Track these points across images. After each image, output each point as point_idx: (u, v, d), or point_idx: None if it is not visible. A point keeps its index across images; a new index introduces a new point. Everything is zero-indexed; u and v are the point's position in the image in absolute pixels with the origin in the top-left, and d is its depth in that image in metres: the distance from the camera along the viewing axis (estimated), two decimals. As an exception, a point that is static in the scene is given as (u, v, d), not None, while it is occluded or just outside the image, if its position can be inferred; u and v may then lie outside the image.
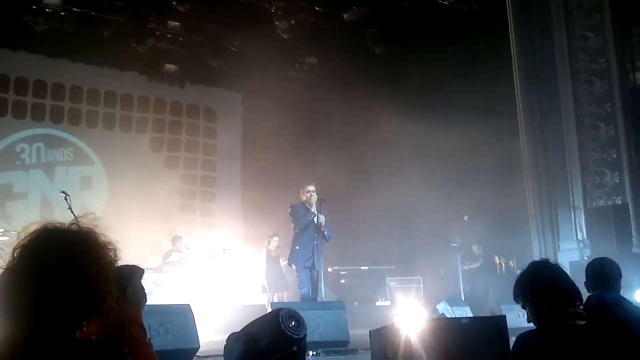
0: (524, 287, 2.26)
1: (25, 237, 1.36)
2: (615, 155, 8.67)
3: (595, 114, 8.87)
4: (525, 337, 2.20)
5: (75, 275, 1.32)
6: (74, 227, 1.38)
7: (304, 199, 7.46)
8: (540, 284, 2.22)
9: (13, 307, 1.29)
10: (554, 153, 9.02)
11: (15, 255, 1.35)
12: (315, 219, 7.34)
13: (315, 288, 7.33)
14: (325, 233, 7.41)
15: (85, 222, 1.40)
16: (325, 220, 7.38)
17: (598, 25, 8.95)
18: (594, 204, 8.75)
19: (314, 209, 7.40)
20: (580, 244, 8.54)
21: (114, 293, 1.37)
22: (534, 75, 9.28)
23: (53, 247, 1.33)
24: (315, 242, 7.35)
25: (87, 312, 1.30)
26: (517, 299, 2.29)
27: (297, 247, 7.43)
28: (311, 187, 7.48)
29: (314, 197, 7.41)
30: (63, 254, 1.32)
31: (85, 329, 1.30)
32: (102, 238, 1.39)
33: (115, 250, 1.42)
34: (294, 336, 2.01)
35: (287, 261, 8.08)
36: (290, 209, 7.51)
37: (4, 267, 1.35)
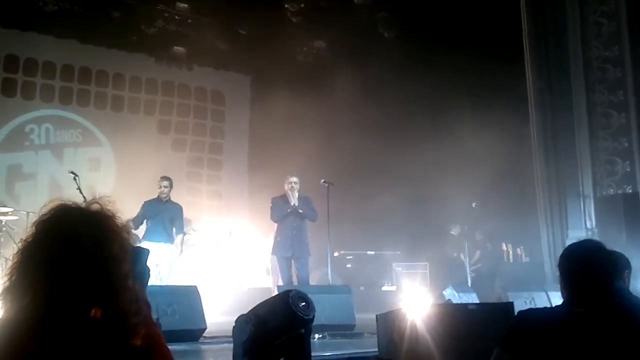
0: (565, 266, 2.15)
1: (47, 212, 1.36)
2: (626, 144, 8.57)
3: (607, 102, 8.76)
4: (528, 315, 2.16)
5: (101, 252, 1.32)
6: (97, 205, 1.39)
7: (285, 189, 7.50)
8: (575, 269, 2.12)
9: (35, 281, 1.29)
10: (564, 140, 8.93)
11: (37, 229, 1.34)
12: (296, 209, 7.42)
13: (301, 277, 7.38)
14: (309, 216, 7.50)
15: (102, 203, 1.41)
16: (307, 203, 7.47)
17: (613, 12, 8.80)
18: (604, 192, 8.68)
19: (294, 201, 7.45)
20: (589, 233, 8.46)
21: (133, 272, 1.38)
22: (546, 61, 9.16)
23: (81, 224, 1.34)
24: (294, 232, 7.41)
25: (108, 290, 1.31)
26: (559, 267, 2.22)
27: (278, 239, 7.53)
28: (293, 179, 7.52)
29: (295, 189, 7.45)
30: (91, 231, 1.33)
31: (104, 308, 1.30)
32: (119, 220, 1.40)
33: (130, 232, 1.44)
34: (304, 317, 2.01)
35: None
36: (270, 202, 7.59)
37: (23, 241, 1.35)
